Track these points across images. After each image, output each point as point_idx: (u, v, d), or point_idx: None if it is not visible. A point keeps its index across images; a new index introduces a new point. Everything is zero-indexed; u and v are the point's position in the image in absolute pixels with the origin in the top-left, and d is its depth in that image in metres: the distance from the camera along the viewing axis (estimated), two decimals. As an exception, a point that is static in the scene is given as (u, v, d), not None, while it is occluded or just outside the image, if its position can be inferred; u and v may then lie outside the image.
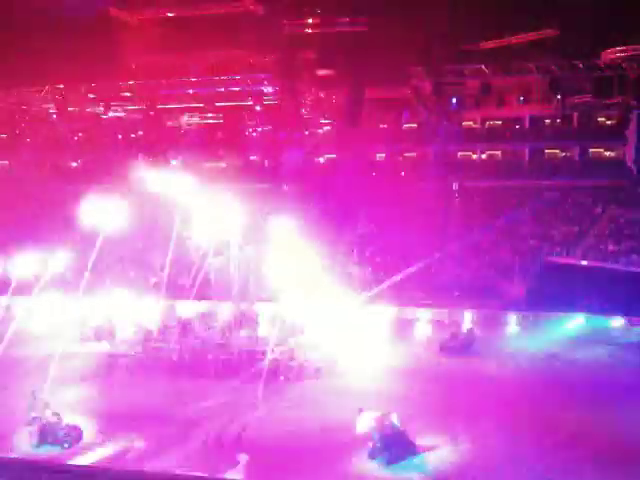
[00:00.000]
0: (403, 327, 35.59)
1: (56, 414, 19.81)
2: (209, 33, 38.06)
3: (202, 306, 35.25)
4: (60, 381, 22.89)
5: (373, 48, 38.34)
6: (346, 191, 44.29)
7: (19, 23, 38.16)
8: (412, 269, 41.77)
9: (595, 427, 20.69)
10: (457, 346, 30.22)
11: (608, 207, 44.77)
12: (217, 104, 45.95)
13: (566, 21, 35.90)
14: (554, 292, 37.00)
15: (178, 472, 18.28)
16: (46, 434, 19.47)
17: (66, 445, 19.34)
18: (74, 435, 19.62)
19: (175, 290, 35.93)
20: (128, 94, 45.55)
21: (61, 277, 35.77)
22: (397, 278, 40.16)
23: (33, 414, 19.81)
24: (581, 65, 40.21)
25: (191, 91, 45.29)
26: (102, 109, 46.74)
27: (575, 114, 45.24)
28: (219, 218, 28.52)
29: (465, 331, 32.00)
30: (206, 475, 18.05)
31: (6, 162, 56.39)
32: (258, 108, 45.53)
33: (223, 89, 44.21)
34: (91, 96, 46.34)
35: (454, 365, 28.13)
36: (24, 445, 19.48)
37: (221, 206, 28.79)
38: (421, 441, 19.18)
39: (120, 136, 49.83)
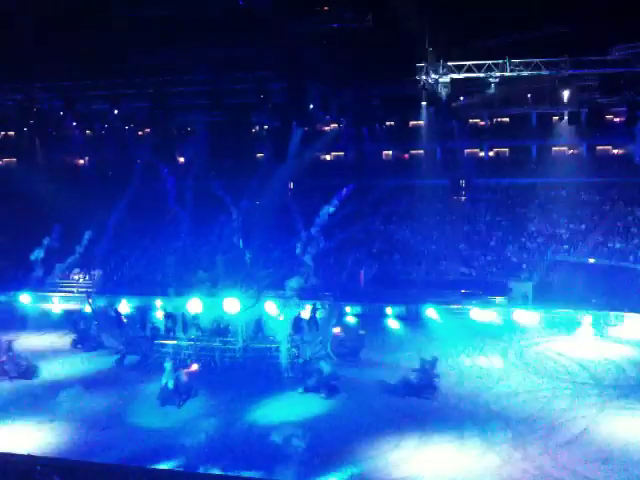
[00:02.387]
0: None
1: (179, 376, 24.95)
2: (213, 31, 38.04)
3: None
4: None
5: (379, 44, 38.25)
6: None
7: (23, 20, 38.25)
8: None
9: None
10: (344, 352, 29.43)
11: (616, 204, 44.59)
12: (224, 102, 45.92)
13: (575, 17, 35.64)
14: (561, 290, 37.01)
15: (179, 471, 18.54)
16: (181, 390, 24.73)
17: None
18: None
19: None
20: (135, 91, 45.58)
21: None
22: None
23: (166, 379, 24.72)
24: (590, 62, 39.91)
25: (197, 89, 45.30)
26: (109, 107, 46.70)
27: (583, 111, 45.02)
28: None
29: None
30: (207, 474, 18.23)
31: (14, 159, 56.74)
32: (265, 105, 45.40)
33: (230, 87, 44.17)
34: (98, 93, 46.36)
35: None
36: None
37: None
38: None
39: (127, 133, 49.95)
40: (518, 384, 26.03)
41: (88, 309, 33.66)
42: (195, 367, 26.75)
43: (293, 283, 27.95)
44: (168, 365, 25.24)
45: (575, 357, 29.10)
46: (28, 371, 27.52)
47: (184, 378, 25.25)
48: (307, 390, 25.20)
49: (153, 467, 18.89)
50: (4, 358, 27.72)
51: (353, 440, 20.98)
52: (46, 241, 32.34)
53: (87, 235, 34.19)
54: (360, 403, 24.44)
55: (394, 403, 24.15)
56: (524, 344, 31.45)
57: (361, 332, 31.00)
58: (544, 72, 38.28)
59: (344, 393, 25.14)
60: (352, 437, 21.22)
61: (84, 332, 31.80)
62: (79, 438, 21.78)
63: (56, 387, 25.81)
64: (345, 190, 33.85)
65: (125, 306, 36.77)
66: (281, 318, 31.00)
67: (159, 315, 32.32)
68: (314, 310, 30.54)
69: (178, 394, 24.60)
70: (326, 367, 25.67)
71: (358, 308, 37.43)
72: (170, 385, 24.64)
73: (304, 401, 24.61)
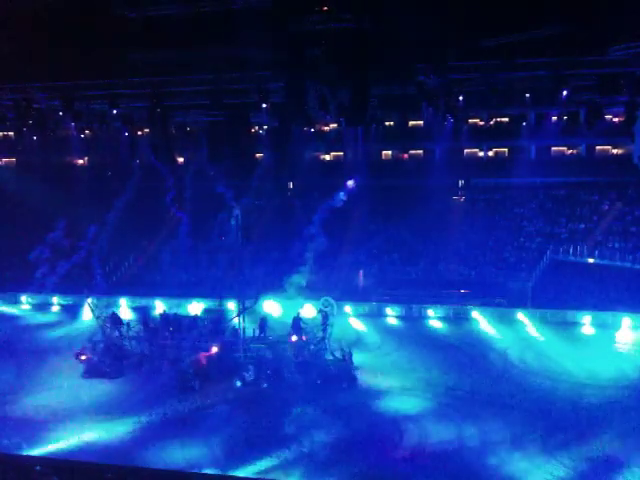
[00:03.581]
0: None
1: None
2: (214, 30, 38.03)
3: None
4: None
5: (379, 44, 38.23)
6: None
7: (23, 19, 38.19)
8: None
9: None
10: None
11: (615, 204, 44.59)
12: (223, 101, 45.89)
13: (573, 17, 35.69)
14: (560, 290, 37.05)
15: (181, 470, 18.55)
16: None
17: None
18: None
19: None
20: (134, 91, 45.54)
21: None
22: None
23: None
24: (588, 62, 39.97)
25: (196, 88, 45.26)
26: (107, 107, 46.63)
27: (582, 111, 45.04)
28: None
29: None
30: (209, 474, 18.25)
31: (13, 159, 56.72)
32: (264, 105, 45.37)
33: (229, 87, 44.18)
34: (97, 93, 46.35)
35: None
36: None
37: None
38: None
39: (126, 133, 49.89)
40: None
41: (87, 310, 33.60)
42: (215, 349, 27.03)
43: (294, 282, 27.95)
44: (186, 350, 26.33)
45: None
46: (115, 370, 27.64)
47: (203, 362, 26.01)
48: (245, 384, 25.70)
49: (152, 467, 18.92)
50: (90, 356, 27.90)
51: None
52: (53, 235, 32.12)
53: (91, 234, 34.06)
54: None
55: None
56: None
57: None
58: (543, 72, 38.31)
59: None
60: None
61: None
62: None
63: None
64: (352, 182, 33.67)
65: (125, 307, 36.77)
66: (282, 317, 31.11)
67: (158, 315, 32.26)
68: (323, 309, 30.66)
69: (197, 377, 25.38)
70: (267, 356, 26.89)
71: (358, 308, 37.50)
72: (189, 369, 25.51)
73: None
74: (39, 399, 24.92)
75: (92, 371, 27.55)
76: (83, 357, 27.94)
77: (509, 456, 19.67)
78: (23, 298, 40.50)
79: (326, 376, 26.18)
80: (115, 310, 33.34)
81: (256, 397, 24.97)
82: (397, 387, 25.69)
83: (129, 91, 44.62)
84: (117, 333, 30.49)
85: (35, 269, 37.18)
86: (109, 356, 28.70)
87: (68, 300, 40.14)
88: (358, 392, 25.45)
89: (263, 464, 19.35)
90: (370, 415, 23.14)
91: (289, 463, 19.49)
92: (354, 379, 26.35)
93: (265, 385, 25.87)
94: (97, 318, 31.29)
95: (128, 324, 30.67)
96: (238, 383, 25.91)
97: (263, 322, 30.17)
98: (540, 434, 21.15)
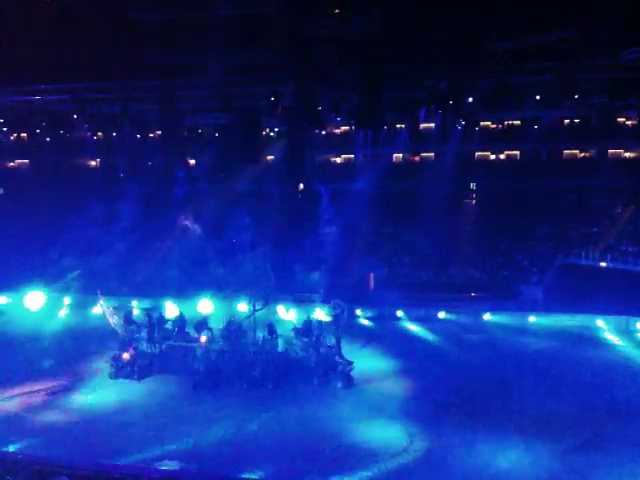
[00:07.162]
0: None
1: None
2: (225, 34, 38.17)
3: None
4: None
5: (390, 47, 38.25)
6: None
7: (36, 21, 38.41)
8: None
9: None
10: None
11: (627, 208, 44.37)
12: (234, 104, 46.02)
13: (585, 21, 35.58)
14: (572, 294, 36.89)
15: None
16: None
17: None
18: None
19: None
20: (146, 94, 45.73)
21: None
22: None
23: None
24: (600, 65, 39.85)
25: (209, 91, 45.42)
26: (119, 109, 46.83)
27: (594, 114, 44.83)
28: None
29: None
30: (210, 474, 18.32)
31: (27, 161, 57.10)
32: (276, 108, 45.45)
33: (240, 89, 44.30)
34: (109, 96, 46.60)
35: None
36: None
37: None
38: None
39: (138, 136, 50.12)
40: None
41: (99, 310, 33.70)
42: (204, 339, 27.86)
43: (310, 280, 28.07)
44: (199, 350, 26.83)
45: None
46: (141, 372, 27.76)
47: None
48: (251, 385, 25.76)
49: (162, 468, 18.97)
50: (130, 355, 27.99)
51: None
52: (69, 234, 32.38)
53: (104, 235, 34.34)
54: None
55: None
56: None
57: None
58: (555, 75, 38.17)
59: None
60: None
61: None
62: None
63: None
64: None
65: (136, 308, 36.84)
66: (293, 320, 31.15)
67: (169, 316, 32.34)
68: (334, 311, 30.80)
69: (209, 376, 25.82)
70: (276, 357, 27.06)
71: (368, 311, 37.52)
72: (201, 369, 25.94)
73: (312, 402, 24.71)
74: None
75: (121, 372, 27.68)
76: (126, 355, 27.95)
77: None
78: (29, 297, 40.37)
79: (324, 376, 26.31)
80: (128, 311, 33.48)
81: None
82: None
83: (142, 93, 44.81)
84: (131, 334, 30.63)
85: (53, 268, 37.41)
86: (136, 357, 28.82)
87: (80, 299, 40.25)
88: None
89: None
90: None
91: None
92: (350, 380, 26.30)
93: (270, 387, 25.87)
94: (109, 319, 31.42)
95: (140, 325, 30.78)
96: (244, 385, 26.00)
97: (272, 324, 30.21)
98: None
